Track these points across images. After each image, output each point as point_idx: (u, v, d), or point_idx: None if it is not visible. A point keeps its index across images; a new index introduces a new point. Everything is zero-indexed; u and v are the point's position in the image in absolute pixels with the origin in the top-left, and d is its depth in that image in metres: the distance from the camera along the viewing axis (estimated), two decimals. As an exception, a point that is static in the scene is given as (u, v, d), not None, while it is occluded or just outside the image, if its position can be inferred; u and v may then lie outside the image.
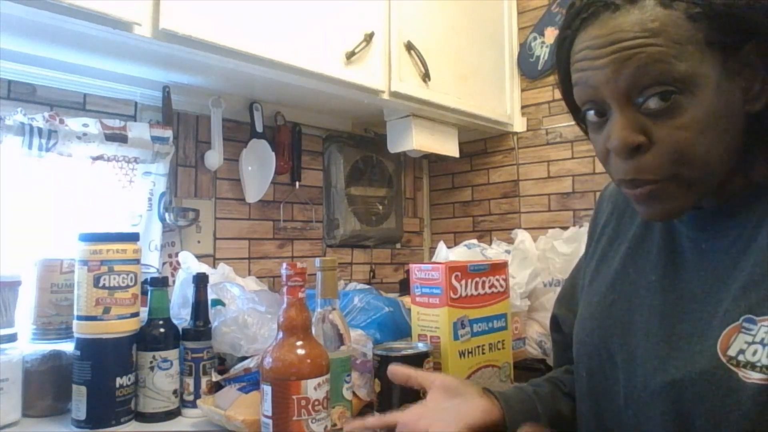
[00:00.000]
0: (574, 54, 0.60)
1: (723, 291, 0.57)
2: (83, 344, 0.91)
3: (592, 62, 0.57)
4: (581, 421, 0.72)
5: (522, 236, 1.54)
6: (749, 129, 0.58)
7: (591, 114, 0.60)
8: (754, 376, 0.51)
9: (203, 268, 1.21)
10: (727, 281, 0.57)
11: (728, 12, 0.53)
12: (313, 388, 0.74)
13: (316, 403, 0.74)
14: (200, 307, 1.01)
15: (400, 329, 1.10)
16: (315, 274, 0.87)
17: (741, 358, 0.53)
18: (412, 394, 0.85)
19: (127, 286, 0.93)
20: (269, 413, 0.74)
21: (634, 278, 0.68)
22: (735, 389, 0.52)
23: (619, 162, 0.58)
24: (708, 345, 0.55)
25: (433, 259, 1.63)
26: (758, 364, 0.51)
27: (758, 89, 0.56)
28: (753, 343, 0.52)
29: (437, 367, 0.94)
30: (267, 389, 0.74)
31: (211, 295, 1.07)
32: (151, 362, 0.94)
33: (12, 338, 0.92)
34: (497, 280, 1.03)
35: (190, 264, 1.24)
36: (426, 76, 1.56)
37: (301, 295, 0.77)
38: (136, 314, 0.95)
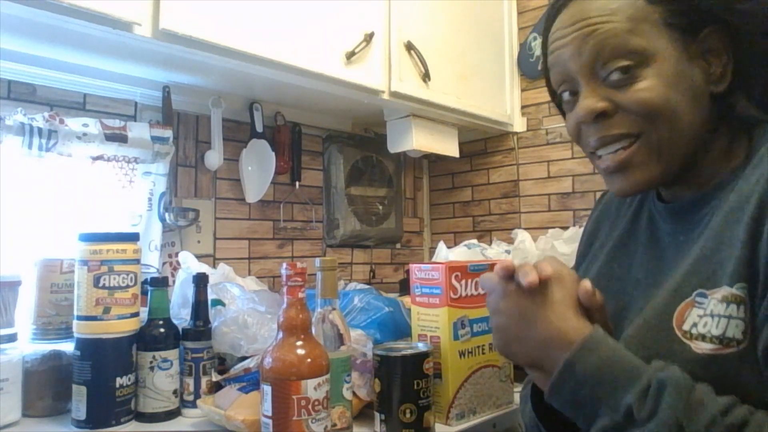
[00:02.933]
0: (549, 39, 0.67)
1: (680, 272, 0.60)
2: (83, 344, 0.91)
3: (562, 41, 0.64)
4: None
5: (522, 236, 1.54)
6: (720, 113, 0.61)
7: (566, 95, 0.67)
8: (704, 347, 0.55)
9: (203, 268, 1.21)
10: (685, 264, 0.60)
11: None
12: (313, 388, 0.74)
13: (316, 403, 0.74)
14: (200, 307, 1.01)
15: (400, 329, 1.10)
16: (315, 274, 0.87)
17: (694, 330, 0.56)
18: (413, 394, 0.85)
19: (127, 286, 0.93)
20: (269, 413, 0.74)
21: (619, 274, 0.71)
22: (688, 360, 0.55)
23: (588, 130, 0.64)
24: (665, 322, 0.58)
25: (433, 259, 1.63)
26: (708, 335, 0.55)
27: (720, 72, 0.61)
28: (704, 315, 0.56)
29: (437, 368, 0.94)
30: (267, 389, 0.74)
31: (211, 295, 1.07)
32: (151, 362, 0.94)
33: (12, 338, 0.92)
34: (497, 280, 1.03)
35: (190, 264, 1.24)
36: (426, 76, 1.56)
37: (301, 295, 0.77)
38: (136, 314, 0.95)
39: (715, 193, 0.62)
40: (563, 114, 0.72)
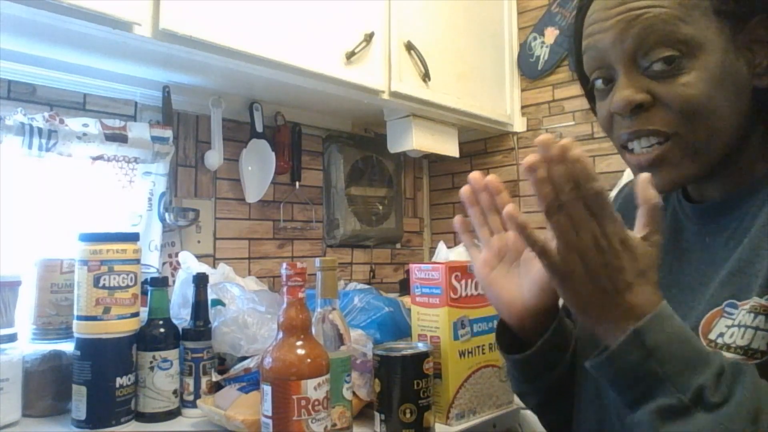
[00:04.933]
0: (586, 22, 0.62)
1: (714, 280, 0.58)
2: (83, 344, 0.91)
3: (601, 25, 0.59)
4: (585, 418, 0.71)
5: (522, 236, 1.54)
6: (757, 108, 0.58)
7: (599, 83, 0.63)
8: (728, 357, 0.51)
9: (203, 268, 1.21)
10: (720, 271, 0.58)
11: None
12: (313, 388, 0.74)
13: (316, 403, 0.74)
14: (200, 307, 1.01)
15: (400, 329, 1.10)
16: (315, 274, 0.87)
17: (720, 340, 0.54)
18: (413, 394, 0.85)
19: (127, 286, 0.93)
20: (269, 413, 0.74)
21: None
22: None
23: (621, 122, 0.60)
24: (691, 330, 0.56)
25: (433, 259, 1.63)
26: (732, 345, 0.52)
27: (766, 64, 0.57)
28: (732, 326, 0.54)
29: (437, 368, 0.94)
30: (267, 389, 0.74)
31: (211, 295, 1.07)
32: (151, 362, 0.94)
33: (12, 338, 0.92)
34: (497, 280, 1.03)
35: (190, 264, 1.24)
36: (426, 76, 1.56)
37: (301, 295, 0.77)
38: (136, 314, 0.95)
39: (745, 196, 0.60)
40: (591, 101, 0.68)
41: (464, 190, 0.68)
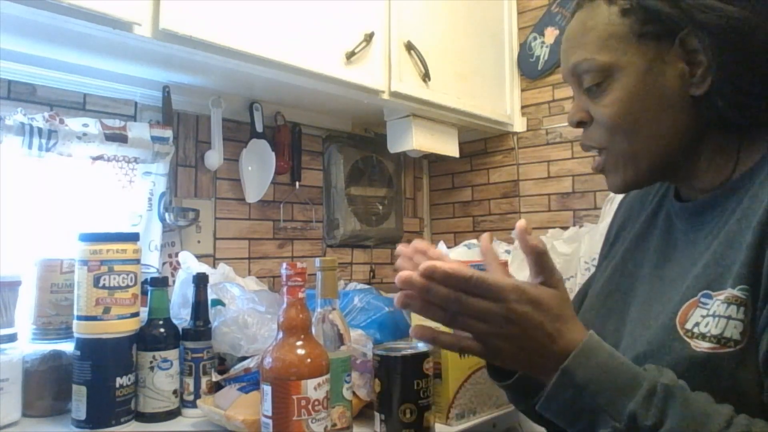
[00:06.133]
0: None
1: (692, 272, 0.61)
2: (83, 344, 0.91)
3: (561, 48, 0.70)
4: None
5: (522, 236, 1.54)
6: (703, 115, 0.62)
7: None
8: (702, 345, 0.55)
9: (203, 268, 1.21)
10: (698, 264, 0.61)
11: (655, 6, 0.61)
12: (313, 388, 0.74)
13: (316, 403, 0.74)
14: (200, 307, 1.01)
15: (400, 329, 1.10)
16: (315, 274, 0.87)
17: (695, 330, 0.57)
18: (413, 394, 0.85)
19: (127, 286, 0.93)
20: (269, 413, 0.74)
21: (632, 271, 0.72)
22: (686, 357, 0.56)
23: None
24: (668, 320, 0.59)
25: (433, 259, 1.63)
26: (707, 334, 0.56)
27: (700, 74, 0.61)
28: (707, 316, 0.56)
29: (437, 368, 0.94)
30: (267, 389, 0.74)
31: (211, 295, 1.07)
32: (151, 362, 0.94)
33: (12, 338, 0.92)
34: (497, 280, 1.03)
35: (190, 264, 1.24)
36: (426, 76, 1.56)
37: (301, 295, 0.77)
38: (136, 314, 0.95)
39: (726, 194, 0.63)
40: None
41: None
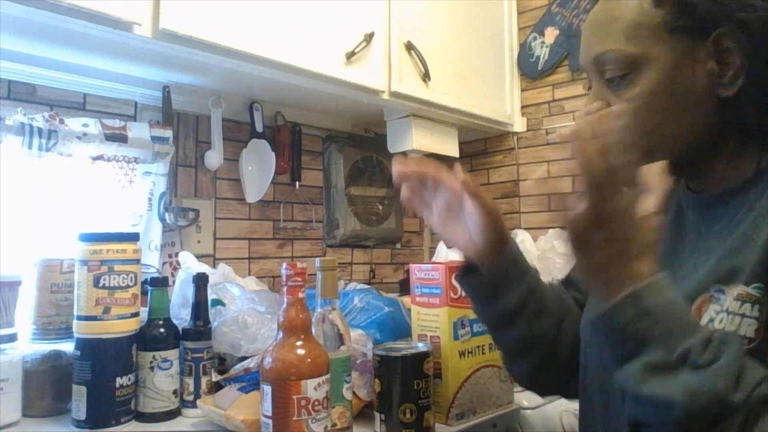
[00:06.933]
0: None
1: (704, 267, 0.60)
2: (83, 344, 0.91)
3: (582, 36, 0.67)
4: (591, 411, 0.72)
5: (522, 236, 1.55)
6: (728, 115, 0.61)
7: (589, 83, 0.69)
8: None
9: (203, 268, 1.21)
10: (710, 258, 0.60)
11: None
12: (313, 388, 0.74)
13: (316, 403, 0.74)
14: (200, 307, 1.01)
15: (400, 329, 1.10)
16: (315, 274, 0.87)
17: (711, 326, 0.56)
18: (413, 394, 0.85)
19: (127, 286, 0.93)
20: (269, 413, 0.74)
21: None
22: None
23: None
24: None
25: (433, 259, 1.64)
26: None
27: (731, 75, 0.59)
28: (721, 312, 0.56)
29: (437, 368, 0.94)
30: (267, 389, 0.74)
31: (211, 295, 1.07)
32: (151, 362, 0.94)
33: (12, 338, 0.92)
34: (497, 280, 1.03)
35: (190, 264, 1.24)
36: (426, 76, 1.56)
37: (301, 295, 0.77)
38: (136, 314, 0.95)
39: (741, 190, 0.62)
40: None
41: (397, 177, 0.78)
